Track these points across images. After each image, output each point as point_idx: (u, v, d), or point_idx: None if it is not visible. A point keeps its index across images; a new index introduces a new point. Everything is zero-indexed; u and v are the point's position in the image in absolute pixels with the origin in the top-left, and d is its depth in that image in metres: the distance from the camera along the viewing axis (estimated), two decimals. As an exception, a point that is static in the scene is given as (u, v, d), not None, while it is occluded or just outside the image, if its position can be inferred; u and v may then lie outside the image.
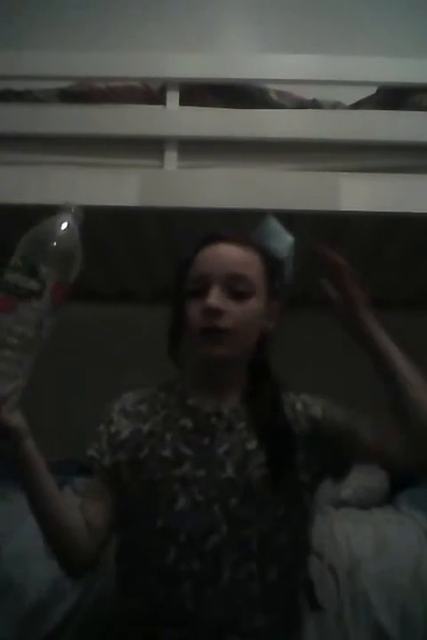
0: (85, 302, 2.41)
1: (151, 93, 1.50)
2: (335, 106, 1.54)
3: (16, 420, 0.72)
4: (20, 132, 1.41)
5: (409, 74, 1.45)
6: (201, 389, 0.91)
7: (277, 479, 0.83)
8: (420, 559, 1.26)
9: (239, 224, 1.21)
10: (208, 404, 0.89)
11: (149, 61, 1.48)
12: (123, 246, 1.81)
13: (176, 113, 1.43)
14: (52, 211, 0.77)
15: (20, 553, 1.26)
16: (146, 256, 1.93)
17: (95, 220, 1.47)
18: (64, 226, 0.76)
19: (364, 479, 1.63)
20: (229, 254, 0.88)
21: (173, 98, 1.43)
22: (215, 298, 0.84)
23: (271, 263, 0.91)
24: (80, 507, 0.86)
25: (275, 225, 0.93)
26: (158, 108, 1.44)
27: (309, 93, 1.54)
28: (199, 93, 1.48)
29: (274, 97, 1.52)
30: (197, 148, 1.40)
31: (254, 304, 0.87)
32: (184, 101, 1.43)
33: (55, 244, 0.74)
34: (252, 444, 0.85)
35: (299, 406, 0.90)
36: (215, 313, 0.83)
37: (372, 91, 1.52)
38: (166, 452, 0.85)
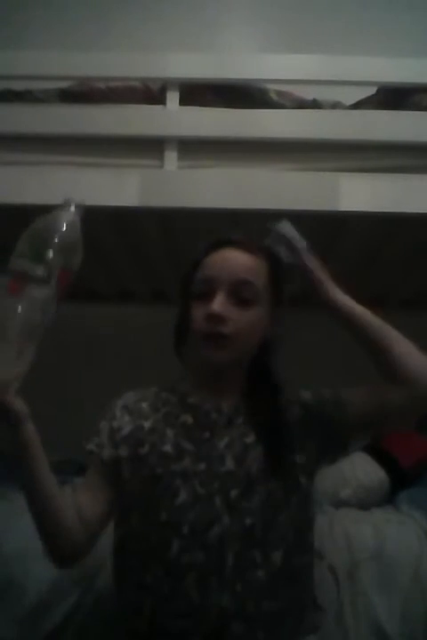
0: (85, 302, 2.41)
1: (151, 93, 1.50)
2: (335, 106, 1.53)
3: (18, 403, 0.74)
4: (20, 131, 1.41)
5: (409, 74, 1.45)
6: (202, 388, 0.93)
7: (275, 470, 0.85)
8: (420, 559, 1.26)
9: (239, 224, 1.21)
10: (208, 401, 0.91)
11: (149, 61, 1.48)
12: (123, 246, 1.81)
13: (176, 113, 1.43)
14: (52, 211, 0.79)
15: (20, 553, 1.26)
16: (146, 256, 1.93)
17: (95, 220, 1.48)
18: (69, 217, 0.79)
19: (364, 479, 1.64)
20: (238, 260, 0.89)
21: (173, 98, 1.43)
22: (219, 304, 0.85)
23: (278, 269, 0.92)
24: (74, 497, 0.87)
25: (289, 229, 0.94)
26: (158, 108, 1.44)
27: (309, 93, 1.54)
28: (199, 93, 1.47)
29: (274, 97, 1.52)
30: (197, 148, 1.40)
31: (258, 311, 0.89)
32: (184, 101, 1.43)
33: (61, 233, 0.77)
34: (250, 438, 0.88)
35: (293, 398, 0.93)
36: (219, 319, 0.85)
37: (372, 91, 1.51)
38: (167, 448, 0.87)
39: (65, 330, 2.30)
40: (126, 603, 0.86)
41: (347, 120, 1.45)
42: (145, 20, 2.40)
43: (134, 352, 2.23)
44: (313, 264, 0.90)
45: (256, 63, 1.51)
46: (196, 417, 0.90)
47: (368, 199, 1.32)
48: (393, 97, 1.47)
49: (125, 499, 0.88)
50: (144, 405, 0.94)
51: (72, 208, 0.80)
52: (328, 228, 1.51)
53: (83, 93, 1.48)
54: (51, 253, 0.75)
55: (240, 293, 0.87)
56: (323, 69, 1.47)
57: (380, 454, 1.72)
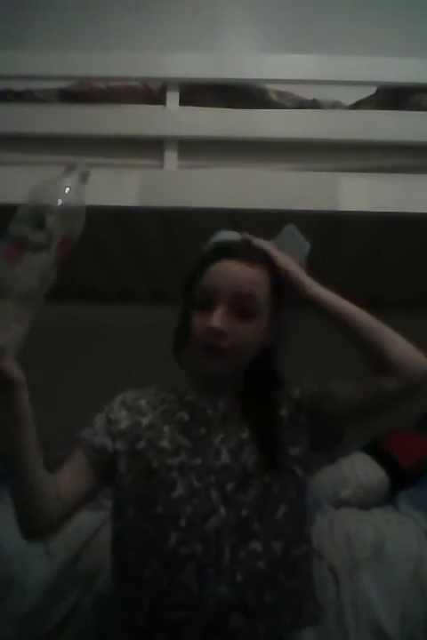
0: (85, 302, 2.42)
1: (151, 93, 1.50)
2: (335, 106, 1.53)
3: (15, 369, 0.74)
4: (20, 131, 1.41)
5: (409, 74, 1.45)
6: (199, 390, 0.95)
7: (269, 465, 0.87)
8: (420, 559, 1.26)
9: (239, 224, 1.21)
10: (204, 399, 0.93)
11: (148, 61, 1.48)
12: (123, 246, 1.81)
13: (176, 113, 1.43)
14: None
15: (20, 553, 1.26)
16: (146, 256, 1.93)
17: (95, 220, 1.48)
18: (72, 182, 0.77)
19: (364, 479, 1.64)
20: (240, 274, 0.89)
21: (173, 98, 1.43)
22: (219, 319, 0.86)
23: (279, 278, 0.92)
24: (56, 473, 0.87)
25: (295, 233, 0.95)
26: (158, 107, 1.44)
27: (309, 93, 1.54)
28: (199, 93, 1.47)
29: (274, 97, 1.52)
30: (197, 148, 1.40)
31: (258, 323, 0.90)
32: (184, 101, 1.43)
33: (63, 199, 0.76)
34: (246, 433, 0.89)
35: (285, 395, 0.95)
36: (218, 333, 0.86)
37: (372, 91, 1.51)
38: (164, 443, 0.89)
39: (65, 329, 2.31)
40: (125, 596, 0.87)
41: (347, 120, 1.45)
42: (145, 20, 2.40)
43: (134, 352, 2.23)
44: (286, 262, 0.91)
45: (256, 63, 1.51)
46: (192, 413, 0.92)
47: (368, 199, 1.32)
48: (393, 97, 1.47)
49: (122, 493, 0.89)
50: (142, 402, 0.96)
51: (76, 172, 0.78)
52: (328, 228, 1.51)
53: (83, 93, 1.48)
54: (52, 219, 0.74)
55: (241, 306, 0.88)
56: (323, 69, 1.47)
57: (380, 454, 1.72)
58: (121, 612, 0.88)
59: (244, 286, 0.88)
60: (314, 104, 1.53)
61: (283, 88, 1.54)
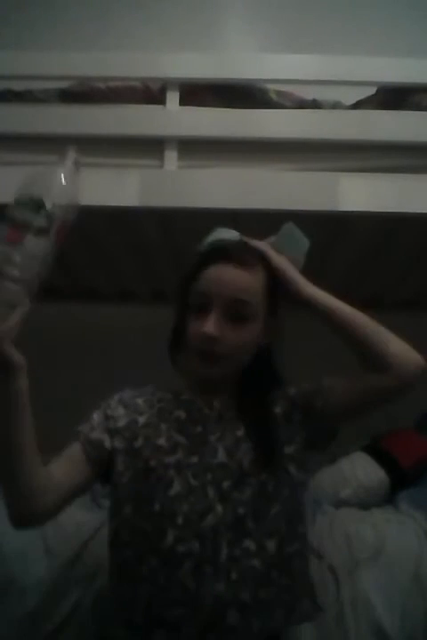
0: (85, 302, 2.42)
1: (151, 93, 1.50)
2: (335, 106, 1.53)
3: (15, 353, 0.74)
4: (20, 131, 1.41)
5: (409, 74, 1.45)
6: (195, 389, 0.96)
7: (264, 463, 0.87)
8: (420, 559, 1.26)
9: (239, 224, 1.21)
10: (201, 398, 0.95)
11: (148, 61, 1.48)
12: (123, 246, 1.81)
13: (176, 113, 1.43)
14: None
15: (20, 553, 1.26)
16: (146, 256, 1.92)
17: (95, 220, 1.48)
18: (66, 170, 0.80)
19: (364, 479, 1.64)
20: (235, 279, 0.89)
21: (173, 98, 1.43)
22: (213, 325, 0.86)
23: (275, 281, 0.92)
24: (50, 463, 0.87)
25: (295, 231, 0.95)
26: (158, 107, 1.44)
27: (309, 93, 1.53)
28: (199, 93, 1.48)
29: (274, 97, 1.51)
30: (197, 148, 1.40)
31: (253, 326, 0.90)
32: (184, 101, 1.43)
33: (61, 185, 0.77)
34: (241, 431, 0.90)
35: (280, 394, 0.95)
36: (212, 339, 0.86)
37: (372, 91, 1.51)
38: (161, 441, 0.90)
39: (65, 329, 2.31)
40: (122, 594, 0.87)
41: (347, 120, 1.45)
42: (145, 20, 2.40)
43: (134, 352, 2.23)
44: (281, 262, 0.92)
45: (256, 63, 1.51)
46: (188, 412, 0.93)
47: (368, 199, 1.32)
48: (393, 97, 1.47)
49: (120, 491, 0.89)
50: (139, 401, 0.97)
51: (71, 160, 0.80)
52: (328, 228, 1.51)
53: (83, 93, 1.48)
54: (51, 205, 0.75)
55: (235, 311, 0.88)
56: (323, 69, 1.47)
57: (380, 454, 1.72)
58: (118, 609, 0.88)
59: (238, 293, 0.88)
60: (314, 104, 1.53)
61: (283, 88, 1.54)
